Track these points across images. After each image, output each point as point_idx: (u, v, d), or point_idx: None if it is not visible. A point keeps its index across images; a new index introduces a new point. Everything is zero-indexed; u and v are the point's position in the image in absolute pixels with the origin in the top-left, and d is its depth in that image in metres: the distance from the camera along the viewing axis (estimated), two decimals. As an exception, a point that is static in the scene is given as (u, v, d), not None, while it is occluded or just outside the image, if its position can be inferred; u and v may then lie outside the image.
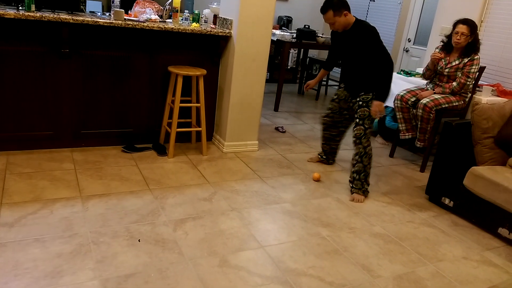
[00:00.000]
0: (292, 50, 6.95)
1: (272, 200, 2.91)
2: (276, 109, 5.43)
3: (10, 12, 2.66)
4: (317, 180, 3.31)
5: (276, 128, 4.59)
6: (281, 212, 2.76)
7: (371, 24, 2.93)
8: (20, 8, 2.88)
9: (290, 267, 2.18)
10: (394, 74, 4.18)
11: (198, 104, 3.46)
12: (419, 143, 3.82)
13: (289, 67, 7.14)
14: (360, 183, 3.08)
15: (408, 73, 4.39)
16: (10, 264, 1.91)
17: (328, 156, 3.65)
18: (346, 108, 3.28)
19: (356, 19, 2.95)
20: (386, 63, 2.87)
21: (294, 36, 5.43)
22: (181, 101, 3.47)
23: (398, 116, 3.87)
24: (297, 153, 3.88)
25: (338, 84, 3.33)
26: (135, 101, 3.44)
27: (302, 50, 6.87)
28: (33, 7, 2.83)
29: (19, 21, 2.80)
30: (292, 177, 3.32)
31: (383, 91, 2.92)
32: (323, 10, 2.90)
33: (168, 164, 3.28)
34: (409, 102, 3.75)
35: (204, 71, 3.37)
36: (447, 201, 3.09)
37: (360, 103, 3.03)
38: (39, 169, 2.87)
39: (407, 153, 4.34)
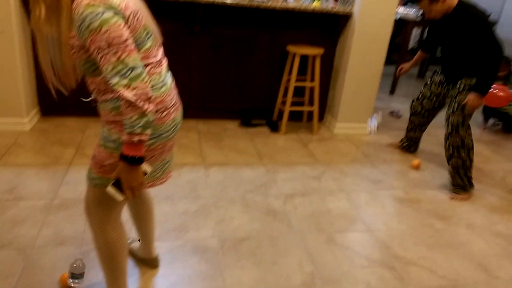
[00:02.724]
0: (415, 29, 6.49)
1: (382, 185, 2.85)
2: (392, 92, 5.19)
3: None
4: (417, 168, 3.08)
5: (391, 112, 4.41)
6: (391, 198, 2.70)
7: (479, 7, 2.52)
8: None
9: (398, 254, 2.15)
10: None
11: (313, 84, 3.50)
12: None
13: (409, 48, 6.69)
14: (460, 180, 2.75)
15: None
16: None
17: (410, 143, 3.35)
18: (438, 94, 2.92)
19: (459, 1, 2.55)
20: (493, 51, 2.45)
21: (420, 14, 5.06)
22: (296, 80, 3.55)
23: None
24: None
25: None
26: (254, 78, 3.62)
27: (426, 29, 6.36)
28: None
29: (160, 2, 3.14)
30: (406, 165, 3.20)
31: (486, 82, 2.52)
32: None
33: (280, 140, 3.41)
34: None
35: (322, 50, 3.38)
36: None
37: (461, 88, 2.67)
38: (169, 136, 3.25)
39: (545, 149, 3.82)
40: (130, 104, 1.11)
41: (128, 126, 1.13)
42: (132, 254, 1.89)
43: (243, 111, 3.71)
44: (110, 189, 1.24)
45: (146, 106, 1.12)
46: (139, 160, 1.18)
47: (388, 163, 3.20)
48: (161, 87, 1.29)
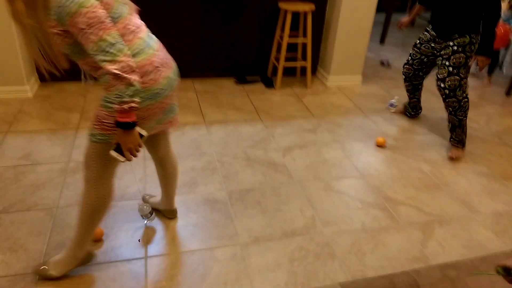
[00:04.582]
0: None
1: (373, 134, 3.03)
2: (382, 41, 5.26)
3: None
4: (381, 146, 2.87)
5: (381, 62, 4.52)
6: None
7: None
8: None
9: (389, 196, 2.37)
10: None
11: (305, 40, 3.57)
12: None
13: (398, -5, 6.65)
14: (458, 138, 2.81)
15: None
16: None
17: (413, 109, 3.27)
18: (429, 53, 2.81)
19: None
20: (497, 7, 2.44)
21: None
22: (289, 36, 3.61)
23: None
24: (402, 89, 3.85)
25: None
26: (247, 36, 3.67)
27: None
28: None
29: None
30: (396, 113, 3.37)
31: (491, 42, 2.52)
32: None
33: (275, 96, 3.54)
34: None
35: (313, 6, 3.42)
36: None
37: (455, 48, 2.59)
38: (169, 97, 3.35)
39: (527, 92, 4.00)
40: (116, 76, 1.22)
41: (117, 96, 1.25)
42: (153, 206, 2.08)
43: (238, 69, 3.79)
44: (113, 153, 1.39)
45: (130, 77, 1.24)
46: (131, 125, 1.31)
47: (378, 112, 3.37)
48: (148, 49, 1.41)
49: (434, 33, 2.75)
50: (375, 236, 2.06)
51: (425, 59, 2.86)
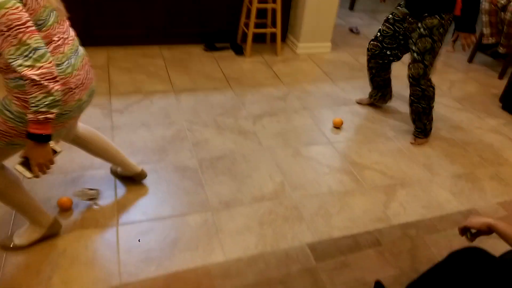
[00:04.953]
0: None
1: (341, 102, 3.09)
2: (351, 7, 5.26)
3: None
4: (338, 127, 2.75)
5: (350, 29, 4.54)
6: (349, 113, 2.96)
7: None
8: None
9: (355, 161, 2.46)
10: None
11: (274, 5, 3.53)
12: (502, 48, 3.64)
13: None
14: (422, 125, 2.64)
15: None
16: (126, 142, 2.38)
17: (383, 92, 2.93)
18: (401, 33, 2.53)
19: None
20: None
21: None
22: (258, 2, 3.55)
23: (484, 19, 3.65)
24: (370, 56, 3.89)
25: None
26: (215, 1, 3.58)
27: None
28: None
29: None
30: (363, 81, 3.43)
31: (472, 15, 2.28)
32: None
33: (246, 63, 3.52)
34: (499, 5, 3.49)
35: (282, -30, 3.36)
36: (521, 110, 3.05)
37: (422, 30, 2.34)
38: (136, 64, 3.27)
39: (487, 59, 4.14)
40: (35, 83, 1.13)
41: (34, 104, 1.15)
42: (121, 176, 2.07)
43: (207, 35, 3.72)
44: (19, 167, 1.28)
45: (51, 85, 1.15)
46: (46, 138, 1.23)
47: (347, 80, 3.42)
48: (67, 67, 1.32)
49: (406, 10, 2.46)
50: (341, 199, 2.16)
51: (399, 37, 2.56)
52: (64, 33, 1.34)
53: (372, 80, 2.87)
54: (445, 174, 2.44)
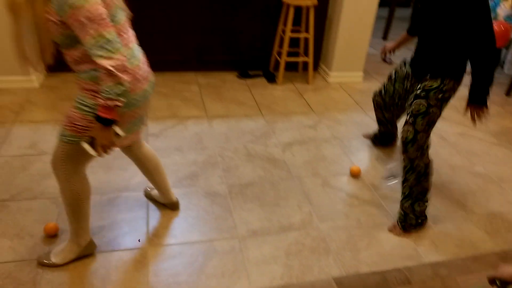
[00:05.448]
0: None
1: (372, 131, 3.08)
2: (384, 37, 5.28)
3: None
4: (355, 177, 2.55)
5: (383, 59, 4.53)
6: (381, 144, 2.94)
7: None
8: None
9: (386, 194, 2.43)
10: None
11: (307, 34, 3.60)
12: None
13: (403, -10, 6.63)
14: (401, 214, 2.14)
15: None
16: (160, 165, 2.46)
17: (384, 137, 2.87)
18: (401, 93, 2.39)
19: None
20: (490, 43, 1.85)
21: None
22: (291, 31, 3.63)
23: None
24: (403, 87, 3.88)
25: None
26: (249, 30, 3.70)
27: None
28: None
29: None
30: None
31: (483, 87, 1.94)
32: None
33: (277, 91, 3.58)
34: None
35: (315, 1, 3.44)
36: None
37: (419, 92, 2.08)
38: (173, 90, 3.40)
39: (527, 92, 4.03)
40: (109, 72, 1.25)
41: (105, 92, 1.28)
42: (154, 200, 2.15)
43: (240, 63, 3.83)
44: (85, 145, 1.42)
45: (122, 76, 1.27)
46: (111, 122, 1.36)
47: (379, 110, 3.41)
48: (134, 60, 1.45)
49: (409, 70, 2.31)
50: (370, 232, 2.13)
51: (397, 96, 2.43)
52: (129, 30, 1.47)
53: (379, 126, 2.83)
54: (481, 212, 2.37)
